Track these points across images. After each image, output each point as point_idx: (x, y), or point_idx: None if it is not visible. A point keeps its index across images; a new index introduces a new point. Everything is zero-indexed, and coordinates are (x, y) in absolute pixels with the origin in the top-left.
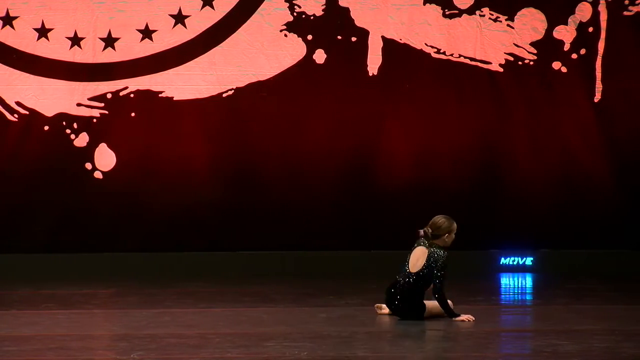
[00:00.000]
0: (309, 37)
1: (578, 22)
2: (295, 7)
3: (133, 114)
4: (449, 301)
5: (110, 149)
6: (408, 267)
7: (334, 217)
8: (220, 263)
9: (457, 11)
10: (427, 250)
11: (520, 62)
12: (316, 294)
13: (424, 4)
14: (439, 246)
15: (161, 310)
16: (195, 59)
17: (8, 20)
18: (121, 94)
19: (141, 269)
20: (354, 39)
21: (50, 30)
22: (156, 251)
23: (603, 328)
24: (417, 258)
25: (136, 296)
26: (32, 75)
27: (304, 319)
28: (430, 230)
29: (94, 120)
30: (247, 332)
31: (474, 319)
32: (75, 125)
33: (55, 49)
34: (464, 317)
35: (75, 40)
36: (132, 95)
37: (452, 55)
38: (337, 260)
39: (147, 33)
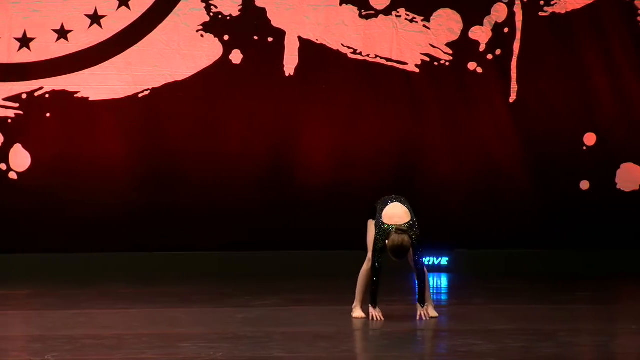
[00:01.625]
0: (226, 37)
1: (494, 22)
2: (212, 7)
3: (48, 115)
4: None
5: (25, 149)
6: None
7: (251, 217)
8: (138, 264)
9: (373, 12)
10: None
11: (436, 63)
12: (234, 295)
13: (341, 4)
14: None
15: (77, 311)
16: (111, 59)
17: None
18: (36, 94)
19: (58, 270)
20: (270, 39)
21: None
22: (73, 252)
23: (519, 328)
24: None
25: (52, 297)
26: None
27: (221, 319)
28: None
29: (9, 120)
30: (163, 332)
31: (382, 319)
32: None
33: None
34: (374, 313)
35: None
36: (47, 96)
37: (368, 55)
38: (254, 261)
39: (62, 33)
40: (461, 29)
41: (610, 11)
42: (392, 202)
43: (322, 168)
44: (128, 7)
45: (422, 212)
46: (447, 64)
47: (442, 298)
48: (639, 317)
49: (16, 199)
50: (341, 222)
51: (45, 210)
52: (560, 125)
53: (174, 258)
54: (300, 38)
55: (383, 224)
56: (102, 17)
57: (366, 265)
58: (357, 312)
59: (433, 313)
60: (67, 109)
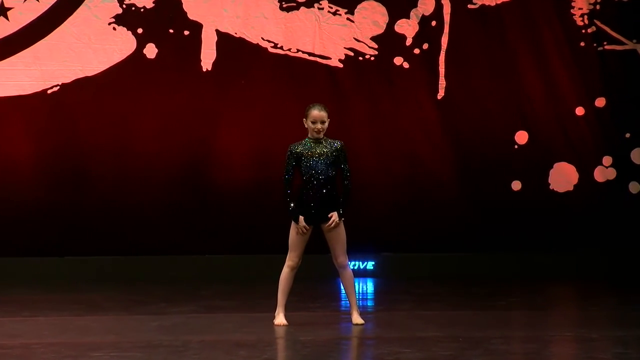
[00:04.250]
0: (139, 30)
1: (421, 15)
2: None
3: None
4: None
5: None
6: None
7: (165, 218)
8: (47, 269)
9: (294, 4)
10: None
11: (360, 58)
12: (148, 301)
13: None
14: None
15: None
16: (18, 54)
17: None
18: None
19: None
20: (186, 32)
21: None
22: None
23: (447, 335)
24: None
25: None
26: None
27: (135, 327)
28: None
29: None
30: (74, 341)
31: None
32: None
33: None
34: (302, 224)
35: None
36: None
37: (289, 50)
38: (169, 265)
39: None
40: (387, 22)
41: (542, 3)
42: None
43: (240, 167)
44: None
45: (347, 213)
46: (372, 58)
47: (368, 304)
48: (574, 324)
49: None
50: (260, 224)
51: None
52: (491, 122)
53: (83, 262)
54: (218, 31)
55: None
56: (9, 9)
57: (286, 267)
58: (279, 319)
59: (359, 320)
60: None
